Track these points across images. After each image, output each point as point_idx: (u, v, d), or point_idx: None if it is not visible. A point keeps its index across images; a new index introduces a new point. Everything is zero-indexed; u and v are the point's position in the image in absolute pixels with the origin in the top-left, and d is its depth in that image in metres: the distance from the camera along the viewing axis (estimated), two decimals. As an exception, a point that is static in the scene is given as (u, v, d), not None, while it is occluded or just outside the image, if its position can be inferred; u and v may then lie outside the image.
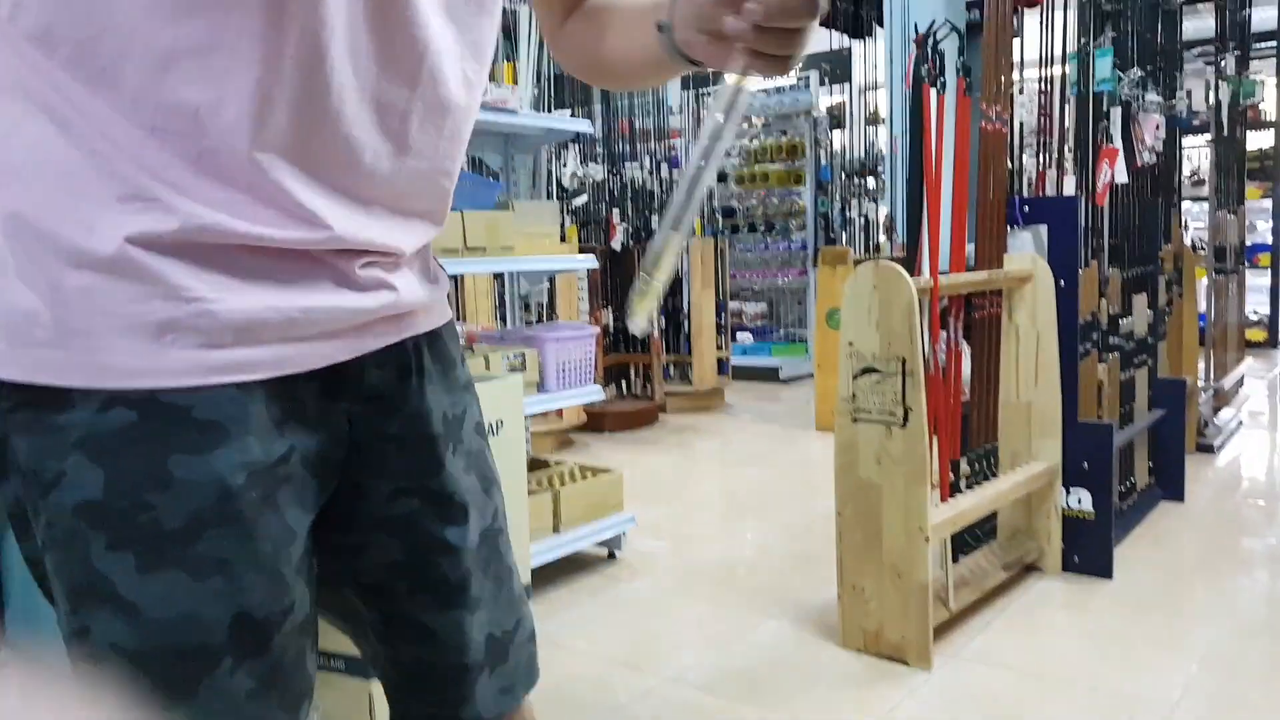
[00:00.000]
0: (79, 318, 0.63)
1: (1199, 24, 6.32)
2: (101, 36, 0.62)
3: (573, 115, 3.04)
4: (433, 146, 0.76)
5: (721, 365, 6.06)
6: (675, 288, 6.05)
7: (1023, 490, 2.72)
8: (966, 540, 2.73)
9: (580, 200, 5.28)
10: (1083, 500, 2.81)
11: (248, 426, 0.67)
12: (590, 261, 3.03)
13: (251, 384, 0.68)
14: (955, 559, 2.66)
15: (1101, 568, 2.78)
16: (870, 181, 7.07)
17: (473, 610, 0.84)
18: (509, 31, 3.38)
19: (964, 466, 2.61)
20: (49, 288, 0.63)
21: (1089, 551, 2.80)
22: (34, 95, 0.64)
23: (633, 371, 5.68)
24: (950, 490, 2.53)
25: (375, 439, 0.78)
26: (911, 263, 2.60)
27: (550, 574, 2.90)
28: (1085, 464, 2.80)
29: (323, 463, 0.74)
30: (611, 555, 3.12)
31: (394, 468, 0.79)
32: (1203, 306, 4.67)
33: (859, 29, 5.17)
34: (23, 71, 0.64)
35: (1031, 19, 3.34)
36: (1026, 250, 2.90)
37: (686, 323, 5.98)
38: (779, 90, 7.24)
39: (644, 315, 0.75)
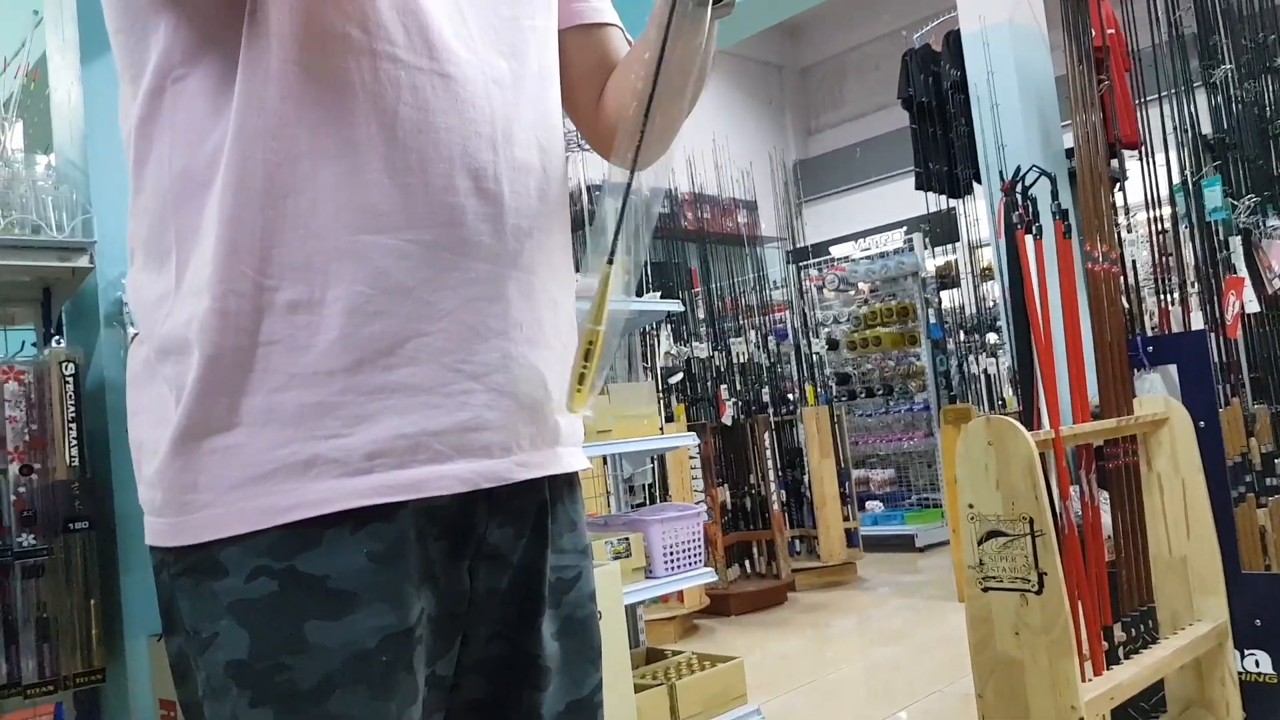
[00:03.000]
0: (231, 474, 0.71)
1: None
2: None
3: (663, 298, 3.07)
4: (527, 205, 0.82)
5: (851, 536, 5.80)
6: (794, 459, 5.90)
7: (1188, 655, 2.43)
8: (1131, 715, 2.44)
9: (676, 378, 5.31)
10: (1260, 663, 2.49)
11: (381, 594, 0.72)
12: (691, 438, 2.98)
13: (386, 554, 0.73)
14: (1122, 740, 2.37)
15: (1296, 742, 2.44)
16: (991, 337, 6.91)
17: None
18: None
19: (1118, 633, 2.36)
20: (203, 451, 0.71)
21: (1278, 722, 2.46)
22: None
23: (756, 549, 5.49)
24: (1105, 660, 2.28)
25: (487, 593, 0.82)
26: (1029, 415, 2.45)
27: (673, 776, 2.71)
28: (1258, 621, 2.50)
29: (449, 620, 0.79)
30: (740, 751, 2.91)
31: (495, 614, 0.83)
32: (1374, 438, 4.26)
33: (955, 189, 5.16)
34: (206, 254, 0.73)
35: (1133, 160, 3.27)
36: (1157, 392, 2.72)
37: (808, 494, 5.80)
38: (883, 255, 7.25)
39: (583, 401, 0.72)
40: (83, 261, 1.83)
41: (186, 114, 0.74)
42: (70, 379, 1.80)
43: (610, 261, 0.72)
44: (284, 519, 0.70)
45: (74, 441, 1.80)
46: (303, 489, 0.71)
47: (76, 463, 1.80)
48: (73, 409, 1.80)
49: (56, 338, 1.91)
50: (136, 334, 0.81)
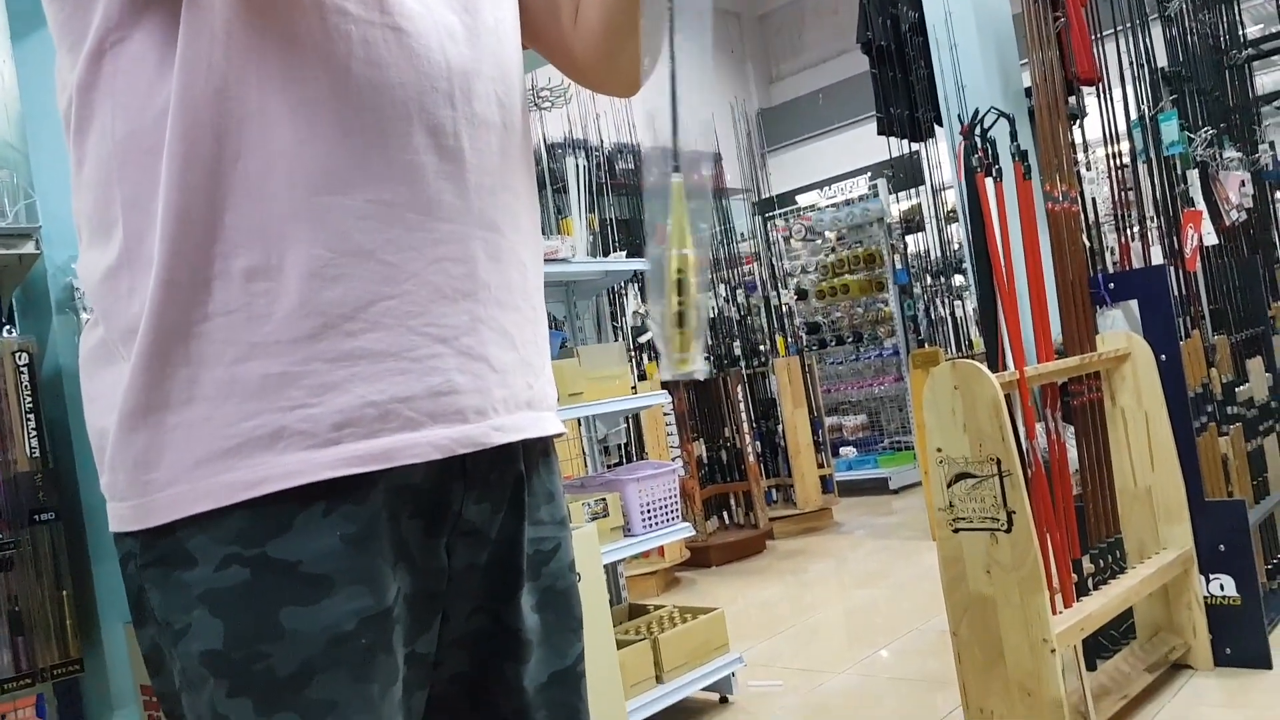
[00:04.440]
0: (195, 450, 0.69)
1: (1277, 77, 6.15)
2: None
3: (629, 256, 3.06)
4: (489, 162, 0.80)
5: (826, 483, 5.88)
6: (767, 410, 5.94)
7: (1156, 583, 2.49)
8: (1102, 644, 2.50)
9: (646, 337, 5.30)
10: (1225, 586, 2.56)
11: (356, 576, 0.70)
12: (663, 396, 2.99)
13: (359, 535, 0.71)
14: (1092, 666, 2.43)
15: (1258, 658, 2.52)
16: (958, 279, 6.94)
17: None
18: (564, 187, 3.47)
19: (1087, 564, 2.41)
20: (165, 428, 0.69)
21: (1242, 641, 2.54)
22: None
23: (733, 501, 5.54)
24: (1075, 592, 2.33)
25: (466, 570, 0.80)
26: (994, 357, 2.48)
27: (660, 726, 2.75)
28: (1221, 546, 2.56)
29: (427, 598, 0.77)
30: (724, 699, 2.96)
31: (475, 589, 0.81)
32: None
33: (917, 132, 5.14)
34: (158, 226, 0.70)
35: (1091, 96, 3.27)
36: (1119, 328, 2.75)
37: (783, 443, 5.85)
38: (848, 202, 7.25)
39: (689, 347, 0.65)
40: (28, 248, 1.75)
41: (128, 77, 0.71)
42: (25, 369, 1.74)
43: (677, 169, 0.64)
44: (252, 493, 0.68)
45: (33, 432, 1.74)
46: (270, 462, 0.68)
47: (38, 454, 1.74)
48: (30, 399, 1.74)
49: (8, 327, 1.85)
50: (89, 318, 0.77)
